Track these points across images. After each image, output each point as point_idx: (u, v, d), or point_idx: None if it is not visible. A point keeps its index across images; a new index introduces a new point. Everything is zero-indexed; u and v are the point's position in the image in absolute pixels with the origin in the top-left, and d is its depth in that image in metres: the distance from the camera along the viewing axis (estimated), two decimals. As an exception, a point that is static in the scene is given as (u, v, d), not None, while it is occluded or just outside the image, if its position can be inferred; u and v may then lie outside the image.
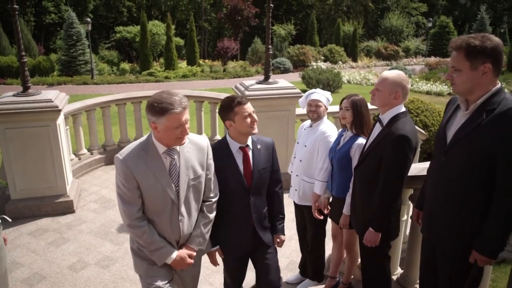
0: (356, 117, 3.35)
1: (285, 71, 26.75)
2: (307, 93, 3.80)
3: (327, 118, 3.81)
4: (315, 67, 23.16)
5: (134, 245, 2.69)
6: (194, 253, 2.72)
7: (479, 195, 2.20)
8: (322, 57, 29.98)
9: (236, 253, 3.03)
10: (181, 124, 2.39)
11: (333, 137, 3.59)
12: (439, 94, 19.42)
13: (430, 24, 36.01)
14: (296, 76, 22.86)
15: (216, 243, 2.99)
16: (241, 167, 2.87)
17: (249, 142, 2.92)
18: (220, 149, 2.88)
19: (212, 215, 2.79)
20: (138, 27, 28.60)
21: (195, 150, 2.62)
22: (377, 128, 2.83)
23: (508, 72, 25.93)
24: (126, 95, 8.13)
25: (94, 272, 4.39)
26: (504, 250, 2.21)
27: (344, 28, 36.18)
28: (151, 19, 35.73)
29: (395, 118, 2.70)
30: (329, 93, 3.79)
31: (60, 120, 5.70)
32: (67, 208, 5.72)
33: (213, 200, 2.79)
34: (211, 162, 2.75)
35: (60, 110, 5.46)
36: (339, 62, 30.01)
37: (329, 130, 3.64)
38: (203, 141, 2.72)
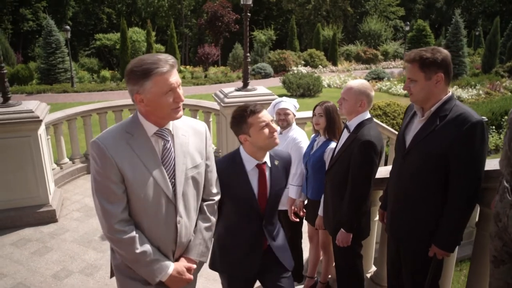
0: (329, 122, 3.51)
1: (266, 76, 27.04)
2: (274, 102, 3.95)
3: (305, 124, 3.97)
4: (295, 71, 23.48)
5: (117, 261, 2.11)
6: (195, 266, 2.18)
7: (436, 195, 2.38)
8: (303, 62, 30.35)
9: (242, 278, 2.65)
10: (172, 87, 1.90)
11: (304, 143, 3.76)
12: (416, 96, 19.81)
13: (407, 28, 36.68)
14: (277, 81, 23.14)
15: (220, 268, 2.66)
16: (255, 189, 2.47)
17: (267, 158, 2.50)
18: (232, 166, 2.48)
19: (214, 218, 2.32)
20: (118, 34, 28.62)
21: (191, 133, 2.13)
22: (345, 134, 3.01)
23: (483, 74, 26.63)
24: (107, 103, 8.20)
25: (78, 280, 4.46)
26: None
27: (323, 33, 36.68)
28: (131, 26, 35.69)
29: (361, 125, 2.87)
30: (295, 100, 3.96)
31: (41, 130, 5.75)
32: (50, 218, 5.76)
33: (216, 199, 2.33)
34: (211, 150, 2.28)
35: (41, 121, 5.52)
36: (319, 66, 30.42)
37: (300, 136, 3.80)
38: (201, 124, 2.24)
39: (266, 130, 2.36)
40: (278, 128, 3.97)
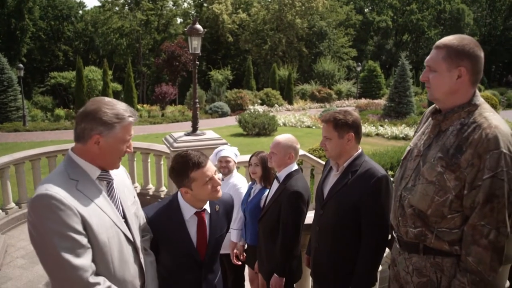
0: (265, 172, 3.75)
1: (223, 115, 27.41)
2: (216, 150, 4.18)
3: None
4: (252, 110, 23.91)
5: None
6: None
7: (351, 241, 2.62)
8: (259, 101, 30.99)
9: None
10: (131, 137, 1.99)
11: (243, 188, 3.98)
12: (367, 135, 20.57)
13: (359, 68, 38.42)
14: (233, 120, 23.45)
15: None
16: (194, 238, 2.35)
17: (206, 204, 2.41)
18: (168, 214, 2.36)
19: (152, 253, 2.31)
20: (74, 73, 28.41)
21: (118, 172, 2.14)
22: (275, 184, 3.25)
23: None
24: (57, 147, 8.15)
25: (18, 330, 4.38)
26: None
27: (279, 72, 37.69)
28: (88, 64, 35.59)
29: (289, 176, 3.12)
30: (236, 148, 4.21)
31: (-14, 177, 5.70)
32: (-8, 266, 5.63)
33: (150, 234, 2.32)
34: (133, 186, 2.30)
35: (-15, 167, 5.49)
36: (276, 105, 31.12)
37: (240, 182, 4.03)
38: None
39: (210, 186, 2.27)
40: (220, 176, 4.19)
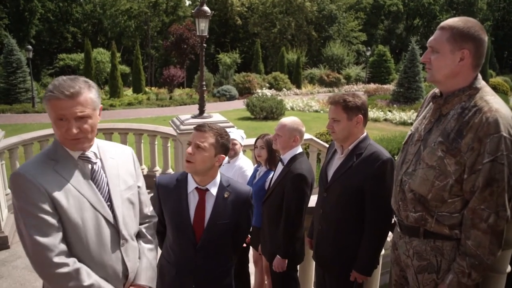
0: (270, 154, 3.76)
1: (231, 98, 27.37)
2: None
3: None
4: (260, 94, 23.86)
5: None
6: None
7: (354, 224, 2.64)
8: (267, 84, 30.87)
9: None
10: (65, 116, 1.79)
11: (249, 171, 4.00)
12: (375, 120, 20.50)
13: (369, 53, 38.02)
14: (241, 104, 23.43)
15: None
16: (192, 213, 2.32)
17: (214, 186, 2.36)
18: (176, 183, 2.38)
19: (156, 240, 2.25)
20: (83, 55, 28.43)
21: (120, 154, 2.08)
22: (279, 167, 3.26)
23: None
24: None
25: (27, 307, 4.47)
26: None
27: (288, 56, 37.45)
28: (97, 45, 35.51)
29: (293, 159, 3.13)
30: (242, 131, 4.22)
31: (-5, 156, 5.76)
32: (2, 244, 5.71)
33: (154, 220, 2.26)
34: (140, 172, 2.20)
35: (-6, 147, 5.54)
36: (284, 89, 31.00)
37: (246, 164, 4.05)
38: (126, 147, 2.20)
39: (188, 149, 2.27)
40: (226, 158, 4.21)
